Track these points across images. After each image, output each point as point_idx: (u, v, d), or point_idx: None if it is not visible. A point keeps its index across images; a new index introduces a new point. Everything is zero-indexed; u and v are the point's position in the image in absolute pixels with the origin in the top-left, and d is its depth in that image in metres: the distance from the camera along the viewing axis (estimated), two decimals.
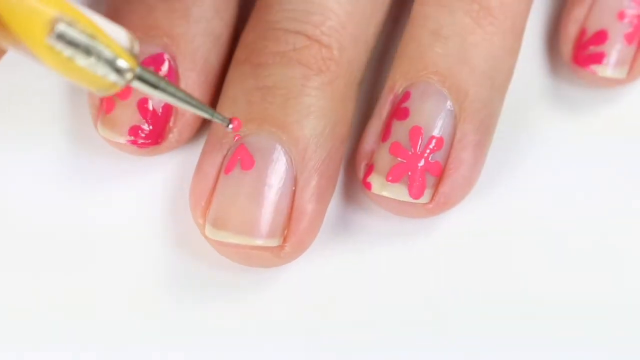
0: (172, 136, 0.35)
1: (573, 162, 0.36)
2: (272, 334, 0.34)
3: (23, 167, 0.35)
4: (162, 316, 0.34)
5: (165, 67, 0.34)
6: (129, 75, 0.28)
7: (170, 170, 0.36)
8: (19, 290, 0.34)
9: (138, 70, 0.28)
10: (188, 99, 0.30)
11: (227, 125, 0.31)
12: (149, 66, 0.34)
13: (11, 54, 0.28)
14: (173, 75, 0.34)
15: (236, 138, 0.33)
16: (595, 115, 0.37)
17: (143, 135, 0.34)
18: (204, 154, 0.34)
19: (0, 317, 0.34)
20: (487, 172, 0.35)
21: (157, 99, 0.33)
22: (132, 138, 0.34)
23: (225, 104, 0.34)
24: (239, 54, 0.34)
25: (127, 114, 0.34)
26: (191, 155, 0.35)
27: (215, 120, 0.31)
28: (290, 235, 0.32)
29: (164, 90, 0.29)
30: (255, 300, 0.34)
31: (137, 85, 0.28)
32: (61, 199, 0.35)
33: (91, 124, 0.35)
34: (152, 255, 0.34)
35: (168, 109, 0.34)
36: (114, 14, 0.35)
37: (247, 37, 0.34)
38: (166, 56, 0.34)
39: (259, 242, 0.32)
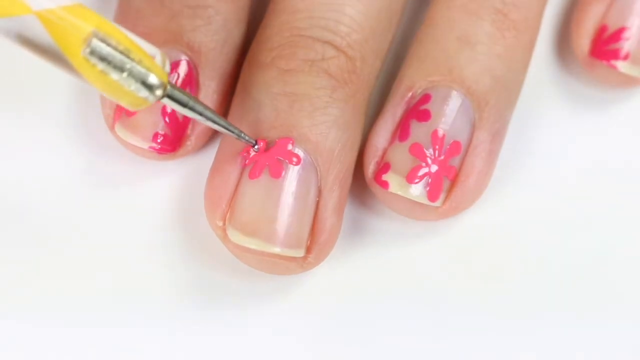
0: (189, 143, 0.34)
1: (579, 163, 0.36)
2: (280, 335, 0.34)
3: (35, 169, 0.35)
4: (170, 317, 0.34)
5: (183, 73, 0.34)
6: (159, 92, 0.29)
7: (171, 171, 0.35)
8: (27, 291, 0.34)
9: (168, 88, 0.29)
10: (216, 118, 0.31)
11: (254, 146, 0.32)
12: (172, 72, 0.34)
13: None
14: (193, 83, 0.34)
15: (261, 143, 0.32)
16: (600, 116, 0.37)
17: (163, 141, 0.34)
18: (223, 154, 0.33)
19: (6, 318, 0.34)
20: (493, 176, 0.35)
21: None
22: (154, 144, 0.34)
23: (250, 107, 0.33)
24: (264, 56, 0.34)
25: (151, 119, 0.34)
26: (191, 156, 0.35)
27: (242, 140, 0.32)
28: (313, 247, 0.33)
29: (192, 108, 0.30)
30: (263, 302, 0.34)
31: (167, 102, 0.30)
32: (61, 198, 0.35)
33: (94, 124, 0.35)
34: (155, 255, 0.34)
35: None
36: (135, 14, 0.34)
37: (272, 40, 0.34)
38: (187, 63, 0.34)
39: (287, 251, 0.32)
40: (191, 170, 0.35)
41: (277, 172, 0.32)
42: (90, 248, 0.34)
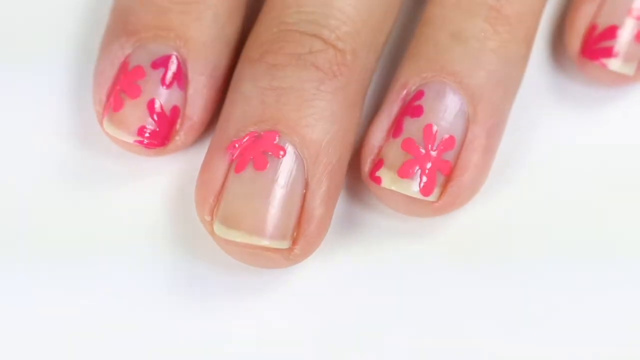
0: (178, 139, 0.35)
1: (576, 163, 0.36)
2: (274, 333, 0.34)
3: (27, 166, 0.35)
4: (164, 316, 0.34)
5: (173, 68, 0.34)
6: None
7: (168, 168, 0.36)
8: (20, 290, 0.34)
9: None
10: None
11: None
12: (159, 67, 0.34)
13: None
14: (182, 78, 0.34)
15: (247, 138, 0.33)
16: (601, 114, 0.37)
17: (151, 136, 0.34)
18: (212, 150, 0.34)
19: (5, 318, 0.34)
20: (490, 174, 0.35)
21: (166, 99, 0.34)
22: (140, 138, 0.34)
23: (238, 102, 0.34)
24: (253, 52, 0.34)
25: (137, 113, 0.34)
26: (188, 154, 0.35)
27: None
28: (299, 238, 0.33)
29: None
30: (258, 299, 0.34)
31: None
32: (59, 196, 0.35)
33: (87, 119, 0.35)
34: (153, 253, 0.34)
35: (176, 110, 0.34)
36: (126, 11, 0.35)
37: (261, 36, 0.34)
38: (176, 58, 0.34)
39: (271, 243, 0.32)
40: (189, 168, 0.35)
41: (261, 165, 0.32)
42: (88, 246, 0.34)
